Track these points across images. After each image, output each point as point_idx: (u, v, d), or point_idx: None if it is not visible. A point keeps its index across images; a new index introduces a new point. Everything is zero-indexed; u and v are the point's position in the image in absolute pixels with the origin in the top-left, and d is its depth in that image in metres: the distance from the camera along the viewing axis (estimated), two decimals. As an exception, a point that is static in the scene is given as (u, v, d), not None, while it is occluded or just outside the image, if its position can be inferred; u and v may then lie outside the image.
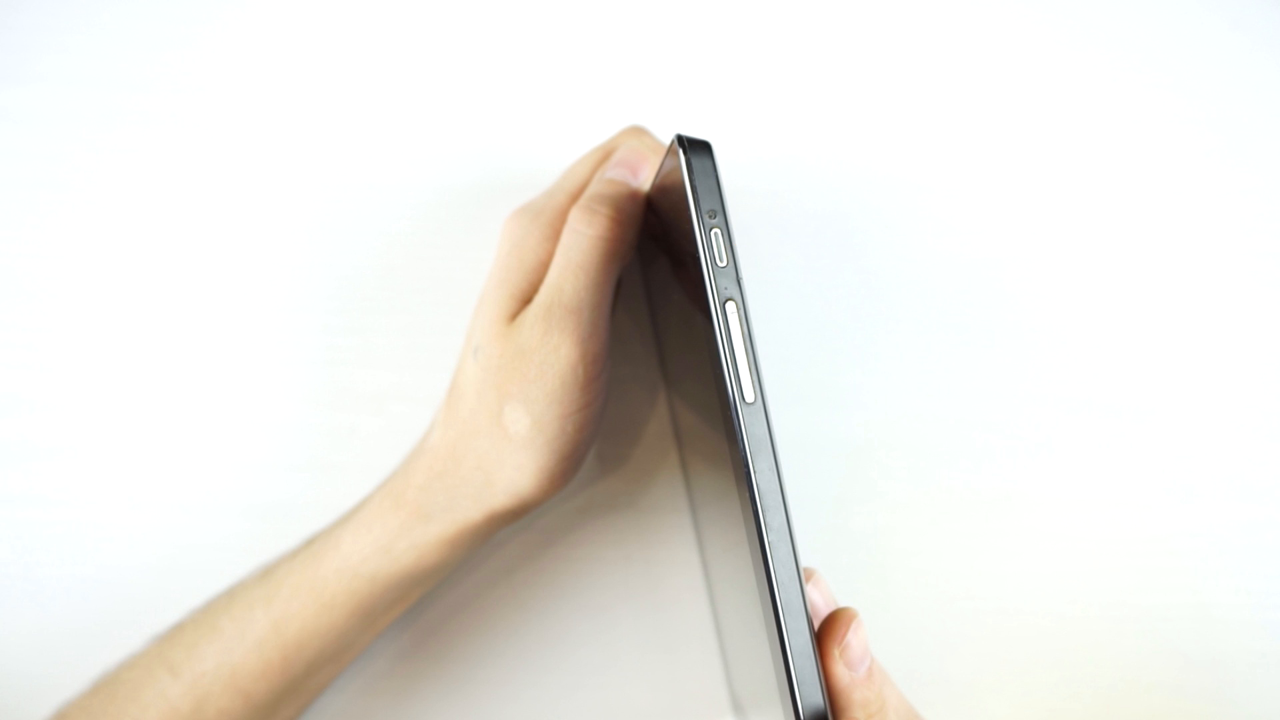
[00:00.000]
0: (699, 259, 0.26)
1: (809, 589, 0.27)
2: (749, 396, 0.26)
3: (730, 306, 0.26)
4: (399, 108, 0.44)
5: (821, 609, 0.28)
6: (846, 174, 0.45)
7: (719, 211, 0.26)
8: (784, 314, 0.43)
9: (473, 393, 0.35)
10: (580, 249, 0.33)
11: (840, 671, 0.27)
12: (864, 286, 0.43)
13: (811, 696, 0.26)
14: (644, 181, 0.36)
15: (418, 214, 0.43)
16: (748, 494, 0.26)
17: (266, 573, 0.37)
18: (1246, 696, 0.41)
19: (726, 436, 0.27)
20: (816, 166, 0.44)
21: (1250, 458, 0.42)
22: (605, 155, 0.38)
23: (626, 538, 0.42)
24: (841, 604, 0.28)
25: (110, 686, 0.36)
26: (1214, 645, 0.41)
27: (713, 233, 0.26)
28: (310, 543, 0.37)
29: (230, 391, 0.42)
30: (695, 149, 0.26)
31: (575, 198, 0.36)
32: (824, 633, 0.27)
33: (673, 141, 0.27)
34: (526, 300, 0.34)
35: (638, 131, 0.38)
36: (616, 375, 0.42)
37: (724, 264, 0.26)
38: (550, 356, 0.33)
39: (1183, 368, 0.43)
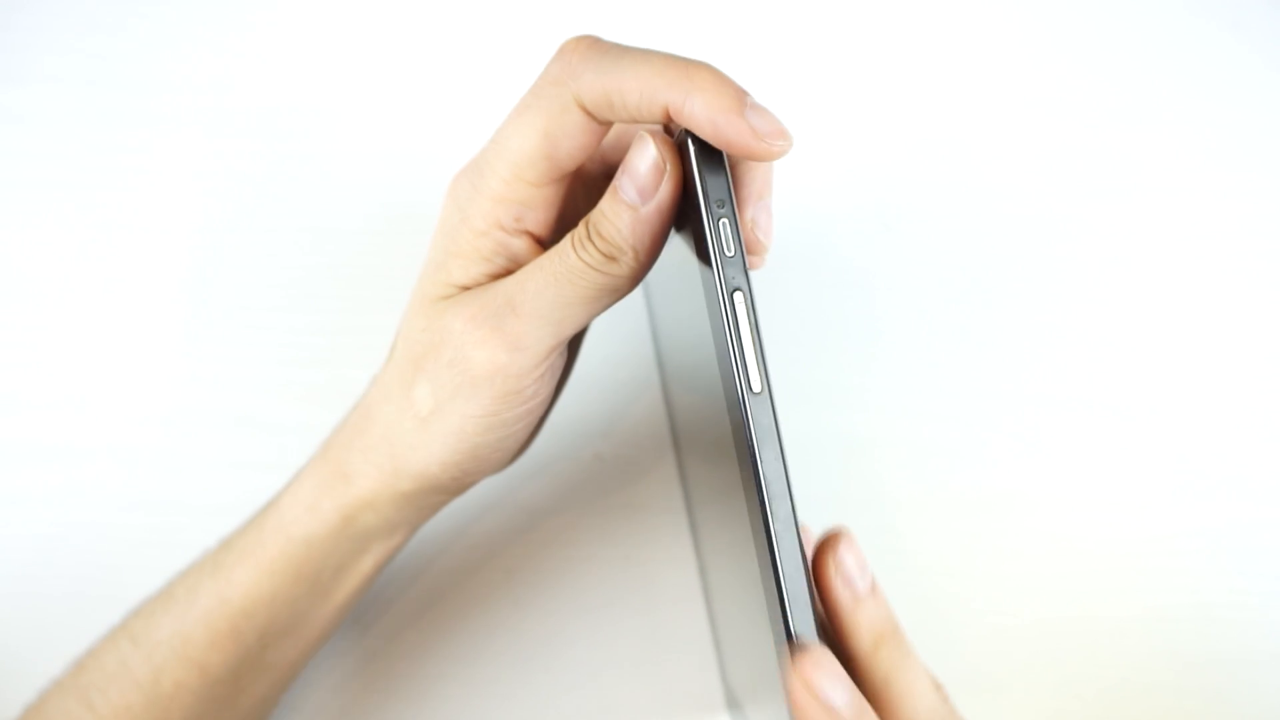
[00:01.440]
0: (706, 249, 0.26)
1: (842, 551, 0.26)
2: (756, 386, 0.26)
3: (738, 296, 0.26)
4: (400, 108, 0.44)
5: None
6: (846, 174, 0.45)
7: (727, 201, 0.26)
8: (785, 314, 0.43)
9: (398, 355, 0.32)
10: (582, 283, 0.28)
11: (840, 591, 0.25)
12: (865, 286, 0.43)
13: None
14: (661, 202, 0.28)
15: (418, 213, 0.43)
16: (753, 484, 0.26)
17: (226, 539, 0.36)
18: (1246, 696, 0.41)
19: (732, 428, 0.27)
20: (816, 166, 0.44)
21: (1250, 458, 0.42)
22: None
23: (624, 538, 0.42)
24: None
25: (80, 659, 0.35)
26: (1214, 645, 0.41)
27: (721, 223, 0.26)
28: (266, 504, 0.36)
29: (231, 391, 0.42)
30: (702, 140, 0.26)
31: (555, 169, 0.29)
32: (815, 554, 0.26)
33: (680, 133, 0.27)
34: (468, 260, 0.30)
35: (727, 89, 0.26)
36: (616, 375, 0.42)
37: (731, 254, 0.26)
38: (471, 351, 0.29)
39: (1183, 368, 0.43)
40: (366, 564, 0.35)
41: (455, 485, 0.33)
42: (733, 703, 0.38)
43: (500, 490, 0.42)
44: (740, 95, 0.25)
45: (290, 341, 0.43)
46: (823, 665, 0.25)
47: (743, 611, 0.32)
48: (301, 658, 0.37)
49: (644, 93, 0.26)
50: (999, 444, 0.42)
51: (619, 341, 0.42)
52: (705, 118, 0.25)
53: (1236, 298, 0.44)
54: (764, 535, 0.25)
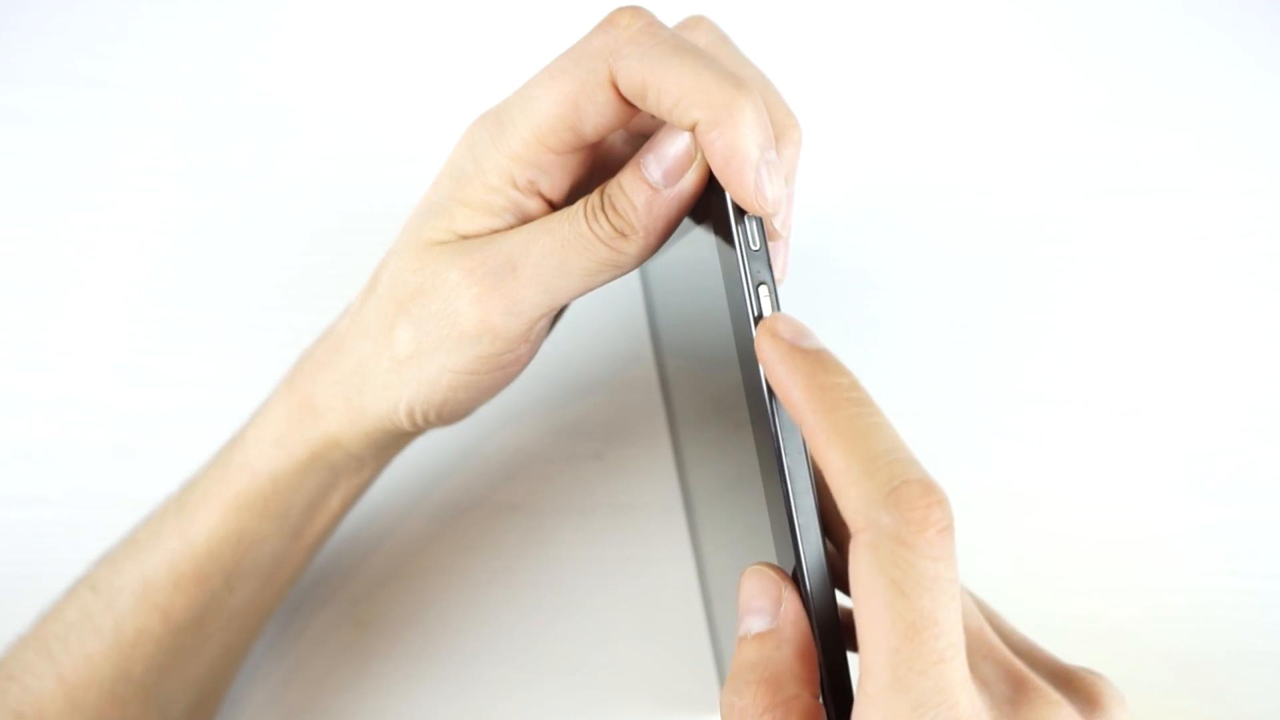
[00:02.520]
0: (732, 243, 0.26)
1: None
2: None
3: (763, 290, 0.26)
4: (401, 107, 0.44)
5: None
6: (847, 175, 0.45)
7: None
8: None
9: (382, 292, 0.31)
10: (587, 255, 0.28)
11: (768, 343, 0.24)
12: (865, 286, 0.43)
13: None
14: (682, 190, 0.28)
15: (418, 214, 0.43)
16: (777, 477, 0.25)
17: (190, 479, 0.35)
18: (1246, 696, 0.41)
19: (752, 422, 0.27)
20: (817, 167, 0.44)
21: (1250, 458, 0.42)
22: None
23: (623, 537, 0.42)
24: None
25: (44, 611, 0.34)
26: (1214, 645, 0.41)
27: (746, 217, 0.26)
28: (229, 440, 0.35)
29: (231, 391, 0.42)
30: None
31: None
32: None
33: None
34: (477, 212, 0.29)
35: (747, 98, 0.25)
36: (616, 375, 0.42)
37: (757, 248, 0.26)
38: (464, 306, 0.28)
39: (1183, 367, 0.43)
40: (335, 501, 0.35)
41: (413, 430, 0.33)
42: None
43: (498, 489, 0.42)
44: (764, 147, 0.25)
45: (290, 341, 0.43)
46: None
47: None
48: (270, 602, 0.36)
49: (681, 100, 0.25)
50: (999, 443, 0.42)
51: (619, 341, 0.42)
52: (721, 153, 0.25)
53: (1236, 298, 0.44)
54: (788, 532, 0.25)
